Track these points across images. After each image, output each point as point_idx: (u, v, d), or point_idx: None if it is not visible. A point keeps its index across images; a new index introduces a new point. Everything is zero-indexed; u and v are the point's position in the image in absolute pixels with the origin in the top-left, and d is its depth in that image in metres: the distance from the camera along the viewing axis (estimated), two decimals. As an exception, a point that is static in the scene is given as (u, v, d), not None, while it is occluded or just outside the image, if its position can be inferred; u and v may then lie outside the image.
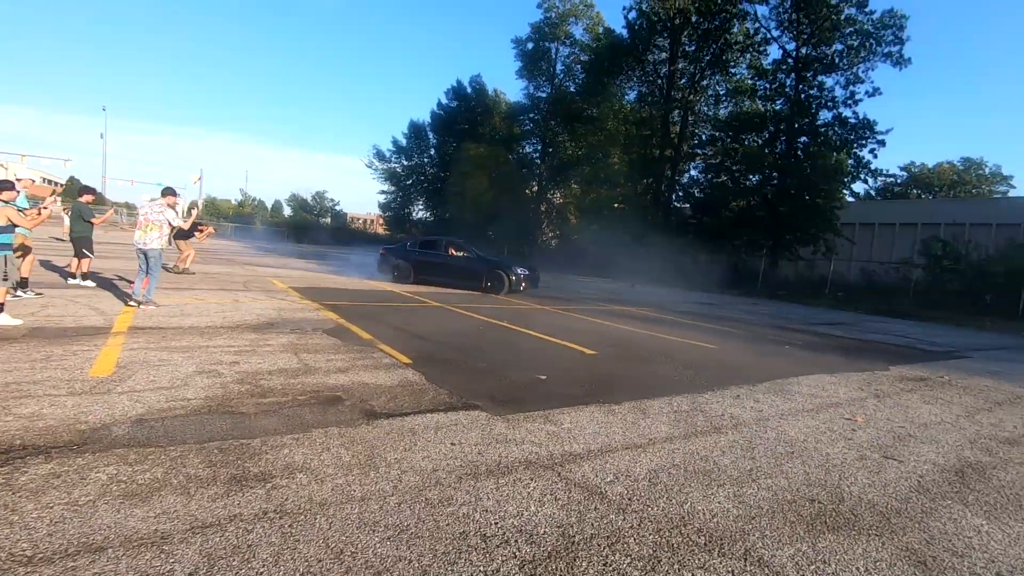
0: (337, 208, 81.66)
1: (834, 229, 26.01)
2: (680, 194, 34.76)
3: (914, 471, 3.67)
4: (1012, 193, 48.02)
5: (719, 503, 2.92)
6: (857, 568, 2.41)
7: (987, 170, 52.91)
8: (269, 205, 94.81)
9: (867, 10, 25.69)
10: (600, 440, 3.72)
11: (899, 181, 53.51)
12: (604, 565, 2.25)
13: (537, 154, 45.67)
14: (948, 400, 5.92)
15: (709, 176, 32.10)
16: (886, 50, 25.69)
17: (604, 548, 2.38)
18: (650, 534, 2.53)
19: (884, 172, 29.37)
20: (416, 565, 2.13)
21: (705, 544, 2.49)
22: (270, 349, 5.56)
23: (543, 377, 5.41)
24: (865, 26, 25.72)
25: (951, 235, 23.67)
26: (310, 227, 59.44)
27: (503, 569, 2.16)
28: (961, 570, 2.47)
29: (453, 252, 14.79)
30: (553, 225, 46.18)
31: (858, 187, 32.71)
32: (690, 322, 11.84)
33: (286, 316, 7.74)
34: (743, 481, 3.24)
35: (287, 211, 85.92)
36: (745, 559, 2.40)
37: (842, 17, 25.84)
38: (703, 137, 33.65)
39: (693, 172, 34.89)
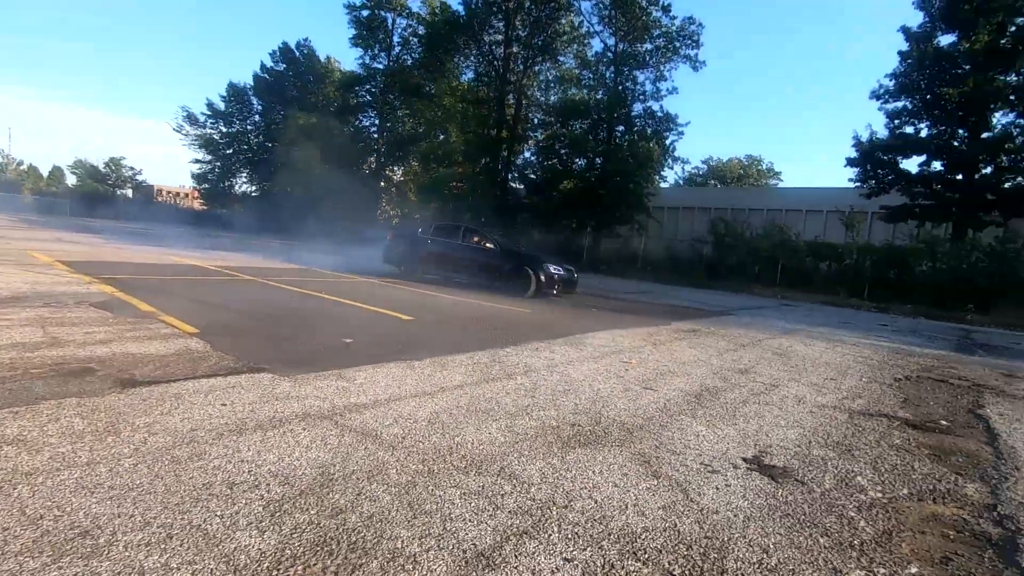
0: (139, 178, 70.48)
1: (646, 211, 29.22)
2: (516, 175, 36.17)
3: (664, 397, 4.31)
4: (780, 184, 58.19)
5: (489, 434, 3.13)
6: (593, 471, 2.76)
7: (764, 165, 63.62)
8: (46, 172, 78.57)
9: (671, 15, 28.92)
10: (390, 391, 3.75)
11: (701, 172, 61.83)
12: (357, 494, 2.28)
13: (375, 128, 43.98)
14: (707, 345, 7.05)
15: (541, 159, 33.83)
16: (685, 53, 29.21)
17: (362, 480, 2.41)
18: (413, 464, 2.62)
19: (685, 161, 33.64)
20: (139, 519, 1.95)
21: (464, 467, 2.65)
22: (6, 324, 4.63)
23: (349, 341, 5.29)
24: (669, 30, 28.95)
25: (734, 218, 28.03)
26: (102, 199, 50.55)
27: (244, 511, 2.07)
28: (675, 463, 2.97)
29: (476, 241, 11.90)
30: (393, 203, 45.09)
31: (670, 177, 37.09)
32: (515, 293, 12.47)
33: (41, 289, 6.51)
34: (518, 415, 3.51)
35: (71, 179, 71.99)
36: (498, 475, 2.61)
37: (651, 19, 28.74)
38: (536, 120, 35.27)
39: (528, 154, 36.49)
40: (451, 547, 1.97)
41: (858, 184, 23.79)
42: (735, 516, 2.44)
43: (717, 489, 2.70)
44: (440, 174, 32.62)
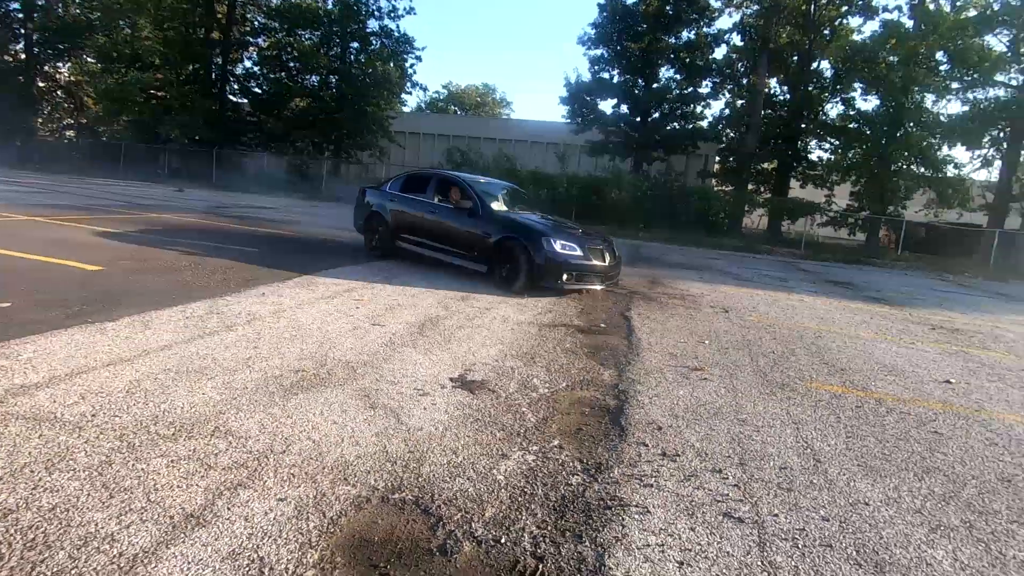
0: None
1: (388, 135, 28.82)
2: (237, 88, 31.40)
3: (390, 331, 4.69)
4: (511, 116, 63.06)
5: (203, 395, 3.05)
6: (314, 412, 2.98)
7: (498, 95, 67.72)
8: None
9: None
10: (73, 364, 3.27)
11: (442, 98, 62.68)
12: (33, 488, 2.07)
13: (18, 6, 32.53)
14: (437, 275, 7.69)
15: (266, 71, 29.96)
16: (420, -29, 28.53)
17: (39, 472, 2.18)
18: (108, 443, 2.45)
19: (423, 87, 33.78)
20: None
21: (172, 435, 2.59)
22: None
23: (6, 305, 4.28)
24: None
25: (470, 147, 29.64)
26: None
27: None
28: (392, 392, 3.38)
29: (455, 199, 7.52)
30: (64, 112, 34.98)
31: (410, 102, 36.69)
32: (241, 227, 11.33)
33: None
34: (237, 370, 3.46)
35: None
36: (212, 435, 2.62)
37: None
38: (256, 24, 30.70)
39: (250, 64, 31.84)
40: (156, 516, 2.00)
41: (569, 121, 27.41)
42: (436, 429, 2.96)
43: (425, 409, 3.20)
44: (131, 78, 26.33)
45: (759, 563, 2.11)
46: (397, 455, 2.64)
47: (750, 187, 25.71)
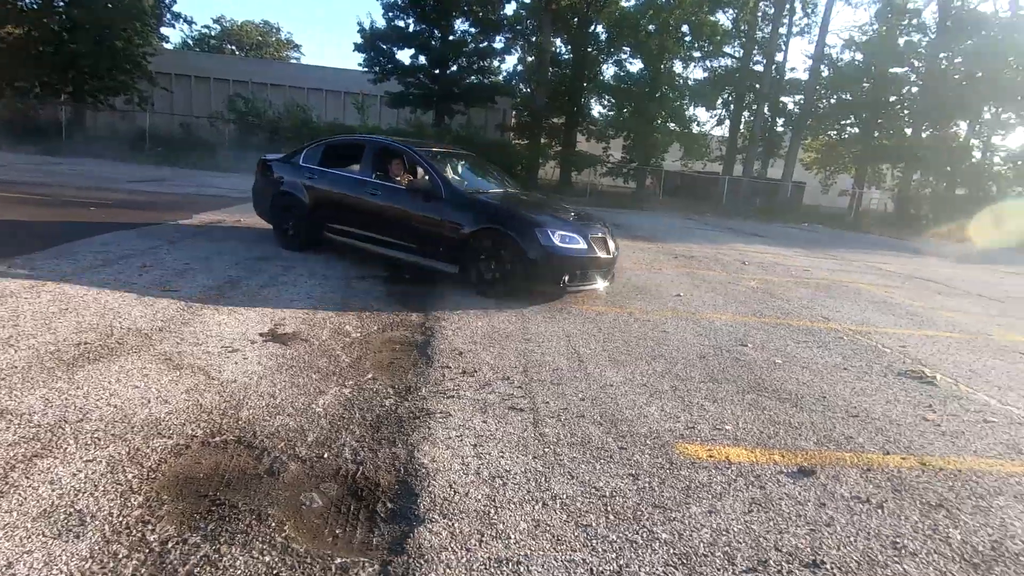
0: None
1: (148, 76, 24.40)
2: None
3: (184, 296, 4.46)
4: (302, 60, 57.60)
5: (-42, 379, 2.71)
6: (110, 381, 2.87)
7: (283, 35, 60.99)
8: None
9: None
10: None
11: (214, 34, 54.30)
12: None
13: None
14: (232, 236, 7.22)
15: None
16: None
17: None
18: None
19: (190, 19, 28.98)
20: None
21: (-71, 422, 2.33)
22: None
23: None
24: None
25: (255, 93, 26.67)
26: None
27: None
28: (197, 353, 3.35)
29: (398, 175, 6.16)
30: None
31: (176, 36, 31.18)
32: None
33: None
34: (-3, 350, 3.08)
35: None
36: (-16, 417, 2.42)
37: None
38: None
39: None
40: (-64, 499, 1.89)
41: (366, 70, 26.26)
42: (251, 380, 3.08)
43: (236, 364, 3.27)
44: None
45: (533, 435, 2.77)
46: (212, 406, 2.74)
47: (543, 141, 27.83)
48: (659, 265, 8.27)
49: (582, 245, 5.30)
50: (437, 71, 26.30)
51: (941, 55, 28.39)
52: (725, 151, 30.31)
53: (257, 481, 2.20)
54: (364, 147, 6.36)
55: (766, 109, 28.28)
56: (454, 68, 26.89)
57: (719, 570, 1.95)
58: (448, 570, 1.81)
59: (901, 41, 29.76)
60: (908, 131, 29.66)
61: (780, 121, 30.19)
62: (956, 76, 28.21)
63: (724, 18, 29.04)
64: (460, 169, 6.57)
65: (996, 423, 3.52)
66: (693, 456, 2.72)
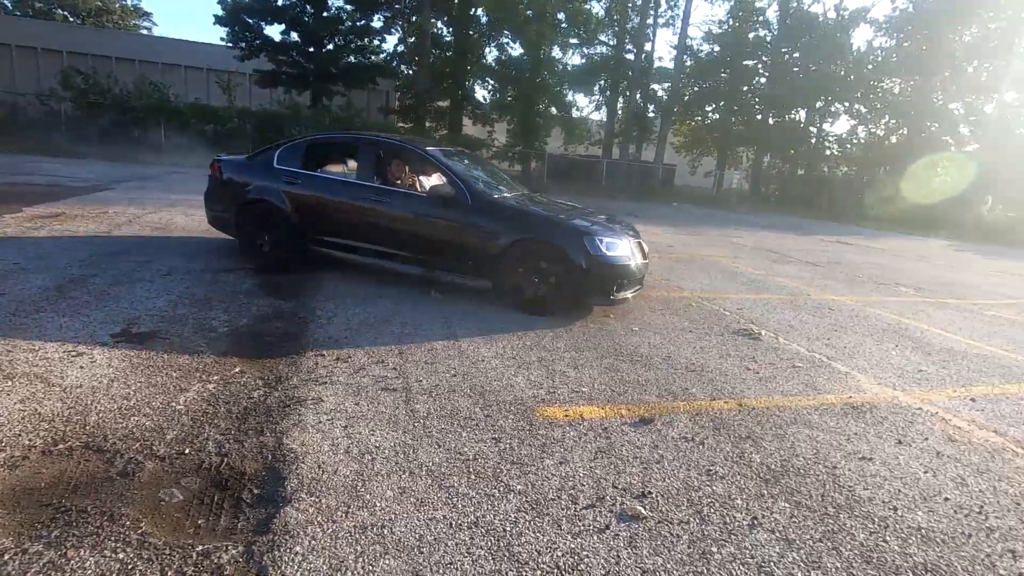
0: None
1: (-49, 45, 20.60)
2: None
3: (14, 299, 4.01)
4: (154, 32, 51.53)
5: None
6: (-80, 398, 2.57)
7: (129, 2, 53.95)
8: None
9: None
10: None
11: (37, -4, 46.71)
12: None
13: None
14: (74, 231, 6.50)
15: None
16: None
17: None
18: None
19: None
20: None
21: None
22: None
23: None
24: None
25: (97, 67, 23.52)
26: None
27: None
28: (33, 360, 3.08)
29: (405, 178, 5.54)
30: None
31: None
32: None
33: None
34: None
35: None
36: None
37: None
38: None
39: None
40: None
41: (231, 45, 24.21)
42: (99, 383, 2.91)
43: (82, 368, 3.05)
44: None
45: (404, 412, 2.92)
46: (54, 414, 2.56)
47: (428, 124, 27.51)
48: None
49: (626, 252, 4.98)
50: (312, 49, 24.89)
51: (783, 50, 31.90)
52: (604, 135, 31.94)
53: (109, 483, 2.13)
54: (362, 147, 5.68)
55: (638, 96, 30.12)
56: (330, 47, 25.61)
57: (563, 509, 2.24)
58: (314, 541, 1.92)
59: (751, 36, 33.00)
60: (759, 118, 33.13)
61: (651, 107, 32.31)
62: (795, 69, 31.90)
63: (598, 7, 30.42)
64: (473, 171, 5.78)
65: (801, 367, 4.24)
66: (551, 417, 3.02)
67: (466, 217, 4.97)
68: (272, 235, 5.52)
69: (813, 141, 33.69)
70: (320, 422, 2.73)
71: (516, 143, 26.51)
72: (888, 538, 2.26)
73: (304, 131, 21.22)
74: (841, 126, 68.26)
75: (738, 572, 1.98)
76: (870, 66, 31.49)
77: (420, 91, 25.35)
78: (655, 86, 32.17)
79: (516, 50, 27.37)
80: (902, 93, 30.94)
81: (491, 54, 30.25)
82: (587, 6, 25.55)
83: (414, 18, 28.61)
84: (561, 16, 24.96)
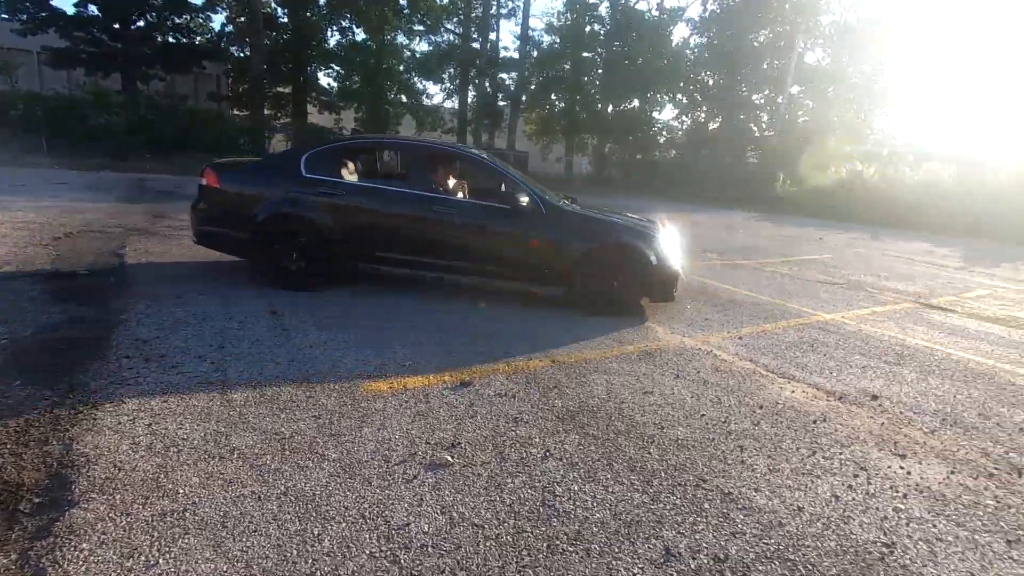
0: None
1: None
2: None
3: None
4: None
5: None
6: None
7: None
8: None
9: None
10: None
11: None
12: None
13: None
14: None
15: None
16: None
17: None
18: None
19: None
20: None
21: None
22: None
23: None
24: None
25: None
26: None
27: None
28: None
29: (458, 185, 5.48)
30: None
31: None
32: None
33: None
34: None
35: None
36: None
37: None
38: None
39: None
40: None
41: (7, 18, 20.38)
42: None
43: None
44: None
45: (219, 403, 2.87)
46: None
47: (268, 112, 25.62)
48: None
49: (676, 252, 5.25)
50: (117, 26, 21.85)
51: (615, 43, 34.56)
52: (456, 124, 32.24)
53: None
54: (411, 153, 5.67)
55: (487, 85, 30.81)
56: (140, 23, 22.69)
57: (376, 468, 2.40)
58: (104, 536, 1.87)
59: (587, 30, 35.24)
60: (599, 107, 35.65)
61: (501, 96, 33.24)
62: (626, 61, 34.76)
63: (442, -5, 30.43)
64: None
65: (609, 325, 4.83)
66: (375, 391, 3.16)
67: (541, 226, 5.00)
68: (306, 252, 5.02)
69: (650, 129, 37.13)
70: (119, 423, 2.59)
71: (364, 132, 25.78)
72: (652, 450, 2.76)
73: (112, 119, 18.68)
74: (669, 114, 75.63)
75: (527, 495, 2.31)
76: (688, 61, 35.39)
77: (255, 76, 23.47)
78: (503, 75, 33.12)
79: (360, 35, 26.47)
80: (715, 85, 35.20)
81: (333, 38, 28.92)
82: (429, -7, 25.45)
83: (242, -5, 26.30)
84: (403, 2, 24.60)
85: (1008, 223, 16.77)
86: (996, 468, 2.89)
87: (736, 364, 4.13)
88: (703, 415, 3.21)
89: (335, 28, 27.98)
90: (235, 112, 25.97)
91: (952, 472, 2.81)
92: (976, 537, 2.29)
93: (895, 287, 7.84)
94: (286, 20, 28.52)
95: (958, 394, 3.88)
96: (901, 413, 3.48)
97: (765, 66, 34.03)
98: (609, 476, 2.49)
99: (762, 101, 35.38)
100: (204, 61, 24.66)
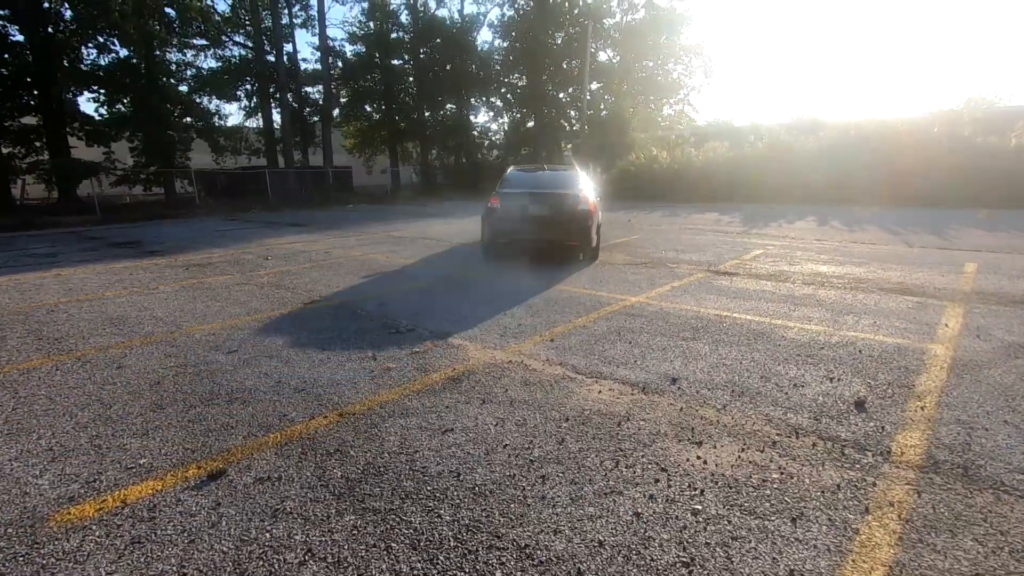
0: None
1: None
2: None
3: None
4: None
5: None
6: None
7: None
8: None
9: None
10: None
11: None
12: None
13: None
14: None
15: None
16: None
17: None
18: None
19: None
20: None
21: None
22: None
23: None
24: None
25: None
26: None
27: None
28: None
29: None
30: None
31: None
32: None
33: None
34: None
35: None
36: None
37: None
38: None
39: None
40: None
41: None
42: None
43: None
44: None
45: None
46: None
47: (8, 149, 20.88)
48: (158, 284, 7.27)
49: None
50: None
51: (421, 51, 34.41)
52: (264, 144, 29.55)
53: None
54: None
55: (291, 99, 28.66)
56: None
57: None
58: None
59: (392, 37, 34.59)
60: (415, 116, 35.29)
61: (308, 111, 31.21)
62: (435, 68, 34.83)
63: (224, 5, 27.54)
64: None
65: (420, 351, 4.38)
66: (73, 521, 2.32)
67: None
68: None
69: (470, 132, 37.65)
70: None
71: (146, 162, 22.34)
72: (443, 510, 2.34)
73: None
74: (485, 117, 78.11)
75: (266, 633, 1.73)
76: (496, 65, 36.53)
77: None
78: (308, 88, 31.12)
79: (123, 52, 22.79)
80: (525, 86, 36.85)
81: (90, 57, 24.59)
82: (198, 2, 22.74)
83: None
84: (172, 12, 21.70)
85: (768, 186, 19.79)
86: (778, 434, 2.98)
87: (546, 371, 3.93)
88: (506, 445, 2.89)
89: (90, 45, 23.76)
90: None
91: (743, 450, 2.82)
92: (766, 524, 2.24)
93: (690, 258, 8.54)
94: (22, 39, 23.57)
95: (743, 359, 4.11)
96: (697, 392, 3.53)
97: (565, 65, 36.43)
98: (384, 566, 2.02)
99: (567, 99, 37.84)
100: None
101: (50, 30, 22.93)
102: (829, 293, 6.19)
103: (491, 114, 38.68)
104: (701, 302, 5.86)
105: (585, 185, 8.32)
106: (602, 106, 37.43)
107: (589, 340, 4.62)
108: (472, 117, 37.52)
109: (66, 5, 23.62)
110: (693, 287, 6.59)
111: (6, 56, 22.91)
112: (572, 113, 37.75)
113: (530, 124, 37.58)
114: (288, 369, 4.05)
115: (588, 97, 34.87)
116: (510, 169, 9.19)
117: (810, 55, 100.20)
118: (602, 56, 38.27)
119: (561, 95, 37.81)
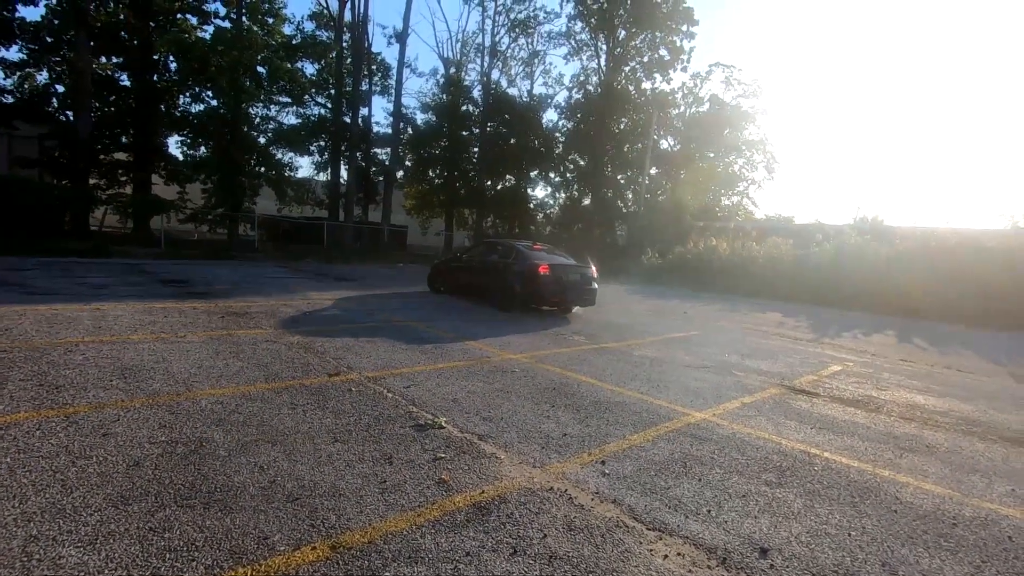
0: None
1: None
2: None
3: None
4: None
5: None
6: None
7: None
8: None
9: None
10: None
11: None
12: None
13: None
14: None
15: None
16: None
17: None
18: None
19: None
20: None
21: None
22: None
23: None
24: None
25: None
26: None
27: None
28: None
29: None
30: None
31: None
32: None
33: None
34: None
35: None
36: None
37: None
38: None
39: None
40: None
41: None
42: None
43: None
44: None
45: None
46: None
47: (95, 181, 22.35)
48: (187, 332, 6.94)
49: None
50: None
51: (488, 124, 35.75)
52: (328, 197, 30.71)
53: None
54: None
55: (359, 157, 29.94)
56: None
57: None
58: None
59: (463, 109, 36.22)
60: (475, 184, 36.18)
61: (374, 170, 32.49)
62: (500, 141, 35.97)
63: (311, 67, 29.70)
64: None
65: (445, 457, 3.68)
66: None
67: None
68: None
69: (527, 204, 38.25)
70: None
71: (217, 204, 23.37)
72: None
73: None
74: (543, 191, 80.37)
75: None
76: (559, 143, 37.49)
77: (79, 140, 20.49)
78: (377, 149, 32.55)
79: (213, 102, 24.52)
80: (584, 166, 37.45)
81: (186, 104, 26.61)
82: (288, 65, 24.43)
83: (72, 55, 23.47)
84: (262, 71, 23.34)
85: (834, 289, 18.58)
86: None
87: (596, 512, 3.14)
88: (540, 638, 2.11)
89: (186, 93, 25.76)
90: (57, 182, 22.34)
91: None
92: None
93: (759, 367, 7.61)
94: (130, 84, 25.86)
95: (851, 529, 3.19)
96: (797, 579, 2.65)
97: (626, 149, 36.93)
98: None
99: (625, 181, 38.11)
100: (17, 122, 21.24)
101: (155, 78, 25.11)
102: (938, 436, 5.15)
103: (549, 189, 39.28)
104: (781, 429, 4.95)
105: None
106: (660, 192, 37.43)
107: (649, 469, 3.81)
108: (530, 190, 38.23)
109: (170, 57, 25.92)
110: (768, 406, 5.68)
111: (112, 98, 25.10)
112: (629, 195, 37.86)
113: (586, 202, 37.84)
114: (288, 464, 3.42)
115: (647, 181, 34.97)
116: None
117: (875, 155, 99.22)
118: (664, 144, 38.74)
119: (620, 176, 38.14)
